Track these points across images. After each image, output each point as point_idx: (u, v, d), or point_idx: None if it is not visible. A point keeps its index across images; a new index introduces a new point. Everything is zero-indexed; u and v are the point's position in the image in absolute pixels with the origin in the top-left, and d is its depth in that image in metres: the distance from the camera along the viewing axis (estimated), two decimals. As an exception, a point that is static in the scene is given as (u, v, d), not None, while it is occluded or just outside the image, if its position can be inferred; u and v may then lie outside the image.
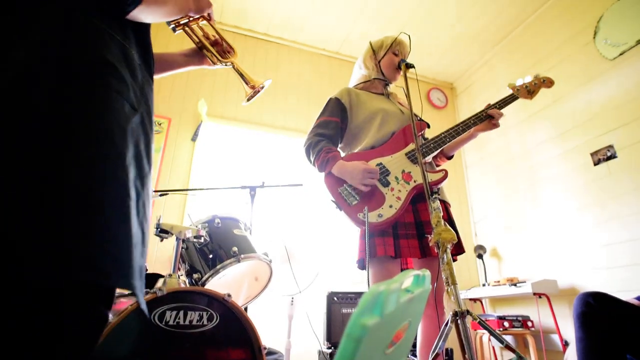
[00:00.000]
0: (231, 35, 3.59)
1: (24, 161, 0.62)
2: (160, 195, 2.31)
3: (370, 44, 1.91)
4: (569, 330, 2.67)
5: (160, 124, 3.15)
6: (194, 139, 3.21)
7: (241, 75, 1.29)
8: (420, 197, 1.56)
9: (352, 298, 2.60)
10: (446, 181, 1.61)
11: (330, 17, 3.45)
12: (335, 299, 2.57)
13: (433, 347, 1.13)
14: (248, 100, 1.31)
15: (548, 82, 1.86)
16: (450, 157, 1.84)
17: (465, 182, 4.01)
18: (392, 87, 1.94)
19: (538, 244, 3.08)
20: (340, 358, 0.34)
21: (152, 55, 1.04)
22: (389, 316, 0.45)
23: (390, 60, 1.82)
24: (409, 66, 1.71)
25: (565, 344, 2.63)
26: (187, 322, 1.29)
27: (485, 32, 3.60)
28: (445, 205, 1.66)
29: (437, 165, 1.81)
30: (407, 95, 1.63)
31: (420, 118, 1.79)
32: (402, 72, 1.71)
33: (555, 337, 2.75)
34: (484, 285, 3.27)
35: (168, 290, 1.27)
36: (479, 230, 3.76)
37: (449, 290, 1.19)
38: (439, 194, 1.65)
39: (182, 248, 1.59)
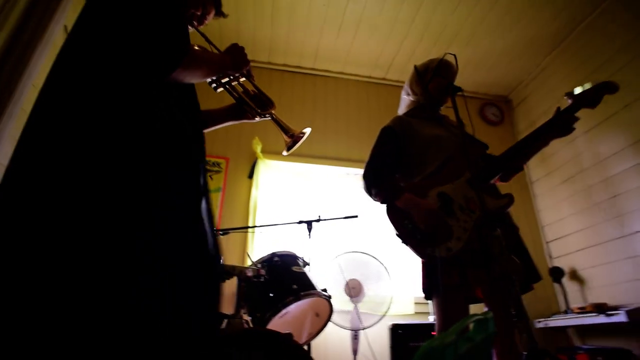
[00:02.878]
0: (279, 73, 3.76)
1: None
2: (222, 234, 2.41)
3: (416, 69, 1.89)
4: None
5: (219, 164, 3.33)
6: (250, 176, 3.34)
7: (280, 126, 1.32)
8: (489, 226, 1.48)
9: (417, 330, 2.48)
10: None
11: (374, 43, 3.49)
12: (400, 331, 2.46)
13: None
14: (288, 149, 1.34)
15: (611, 88, 1.70)
16: (520, 169, 1.70)
17: (532, 199, 3.74)
18: (443, 110, 1.89)
19: (628, 264, 2.75)
20: None
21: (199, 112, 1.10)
22: (447, 370, 0.42)
23: (437, 84, 1.79)
24: (457, 90, 1.67)
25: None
26: (251, 364, 1.31)
27: (538, 39, 3.41)
28: (514, 230, 1.56)
29: (508, 179, 1.70)
30: (459, 122, 1.58)
31: (477, 139, 1.72)
32: (450, 96, 1.67)
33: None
34: (565, 312, 2.96)
35: (231, 332, 1.31)
36: (553, 251, 3.45)
37: (519, 325, 1.10)
38: (504, 221, 1.55)
39: (244, 287, 1.64)
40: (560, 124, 1.57)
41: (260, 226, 2.38)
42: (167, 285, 0.74)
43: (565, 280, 3.16)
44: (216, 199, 3.19)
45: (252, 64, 1.29)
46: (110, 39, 0.90)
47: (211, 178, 3.26)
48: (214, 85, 1.23)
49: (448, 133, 1.71)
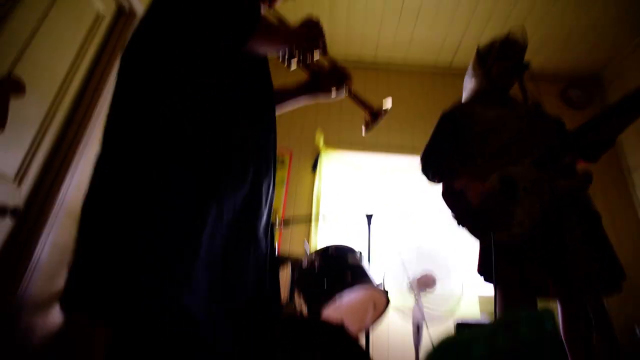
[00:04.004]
0: (341, 67, 3.75)
1: None
2: (284, 225, 2.48)
3: (478, 51, 1.77)
4: None
5: (282, 160, 3.42)
6: (314, 169, 3.38)
7: (359, 100, 1.22)
8: (558, 210, 1.33)
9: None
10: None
11: (438, 29, 3.32)
12: (467, 330, 2.32)
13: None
14: (367, 128, 1.23)
15: None
16: (611, 145, 1.47)
17: (631, 191, 3.27)
18: (513, 92, 1.74)
19: None
20: None
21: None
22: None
23: (501, 68, 1.64)
24: (524, 68, 1.52)
25: None
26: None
27: (634, 9, 2.97)
28: (594, 217, 1.39)
29: (595, 157, 1.48)
30: (525, 99, 1.44)
31: (550, 117, 1.56)
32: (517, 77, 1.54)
33: None
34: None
35: (283, 319, 1.34)
36: (657, 246, 3.00)
37: (600, 333, 0.97)
38: (581, 207, 1.38)
39: (298, 276, 1.68)
40: None
41: (318, 218, 2.40)
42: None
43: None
44: (280, 192, 3.29)
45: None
46: (182, 18, 0.93)
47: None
48: (287, 61, 1.14)
49: (514, 113, 1.57)
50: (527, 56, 1.63)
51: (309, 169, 3.39)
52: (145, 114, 0.86)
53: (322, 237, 3.00)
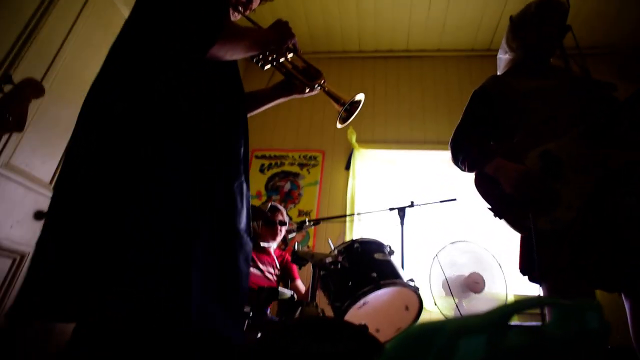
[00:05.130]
0: (372, 61, 3.62)
1: None
2: (313, 224, 2.39)
3: (511, 20, 1.58)
4: None
5: (315, 158, 3.35)
6: (347, 167, 3.28)
7: (331, 96, 1.24)
8: (614, 188, 1.13)
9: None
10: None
11: (472, 9, 3.09)
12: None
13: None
14: (343, 121, 1.25)
15: None
16: None
17: None
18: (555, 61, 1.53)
19: None
20: None
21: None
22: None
23: (539, 33, 1.45)
24: (565, 30, 1.33)
25: None
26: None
27: None
28: None
29: None
30: (567, 66, 1.25)
31: (601, 83, 1.35)
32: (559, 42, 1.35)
33: None
34: None
35: (299, 319, 1.25)
36: None
37: None
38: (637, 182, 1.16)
39: (322, 275, 1.57)
40: None
41: (349, 215, 2.29)
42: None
43: None
44: (314, 192, 3.22)
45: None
46: (152, 22, 0.94)
47: (308, 172, 3.30)
48: (260, 63, 1.19)
49: (556, 83, 1.37)
50: (578, 32, 1.43)
51: (342, 168, 3.30)
52: (139, 90, 0.85)
53: (357, 235, 2.87)
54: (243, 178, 0.96)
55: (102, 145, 0.78)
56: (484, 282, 2.15)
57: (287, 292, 1.59)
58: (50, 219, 0.75)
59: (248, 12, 1.25)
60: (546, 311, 1.13)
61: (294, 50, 1.20)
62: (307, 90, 1.25)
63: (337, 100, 1.21)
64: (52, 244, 0.71)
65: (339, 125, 1.26)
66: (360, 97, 1.24)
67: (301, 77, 1.24)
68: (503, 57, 1.63)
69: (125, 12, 2.35)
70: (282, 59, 1.20)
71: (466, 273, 2.17)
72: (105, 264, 0.67)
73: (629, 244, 1.00)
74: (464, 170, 1.42)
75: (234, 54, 1.01)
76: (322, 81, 1.25)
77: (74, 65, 2.01)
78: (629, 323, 1.14)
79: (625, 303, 1.15)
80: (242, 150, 1.01)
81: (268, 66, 1.20)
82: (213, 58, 0.95)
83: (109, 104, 0.84)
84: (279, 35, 1.13)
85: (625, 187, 1.07)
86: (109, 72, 0.90)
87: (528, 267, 1.23)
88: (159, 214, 0.74)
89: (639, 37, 3.19)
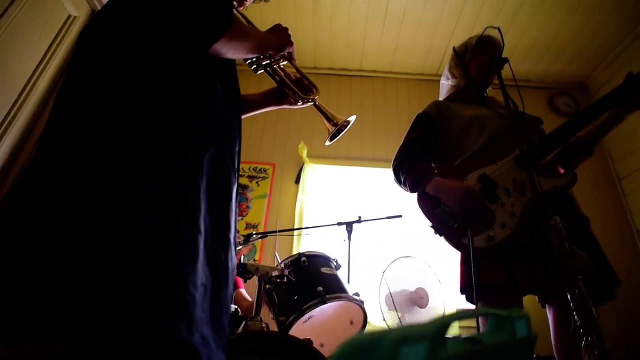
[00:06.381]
0: (325, 77, 3.70)
1: None
2: (260, 237, 2.36)
3: (454, 50, 1.71)
4: None
5: (265, 171, 3.32)
6: (297, 181, 3.29)
7: (323, 113, 1.23)
8: (544, 208, 1.24)
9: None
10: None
11: (422, 38, 3.28)
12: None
13: None
14: (331, 139, 1.25)
15: None
16: (589, 154, 1.44)
17: (621, 199, 3.19)
18: (490, 93, 1.66)
19: None
20: None
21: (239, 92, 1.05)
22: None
23: (478, 63, 1.58)
24: (502, 63, 1.45)
25: None
26: (262, 370, 1.19)
27: (620, 11, 2.93)
28: (582, 221, 1.30)
29: (573, 165, 1.43)
30: (505, 96, 1.36)
31: (529, 116, 1.48)
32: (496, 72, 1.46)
33: None
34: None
35: (243, 334, 1.21)
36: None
37: (587, 341, 0.86)
38: (567, 208, 1.28)
39: (267, 289, 1.55)
40: (635, 92, 1.28)
41: (296, 229, 2.29)
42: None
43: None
44: (262, 205, 3.18)
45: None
46: (148, 12, 0.86)
47: (258, 184, 3.26)
48: (254, 66, 1.14)
49: (493, 112, 1.49)
50: (514, 64, 1.57)
51: (292, 181, 3.30)
52: (138, 90, 0.79)
53: (304, 249, 2.86)
54: (236, 179, 0.93)
55: (96, 144, 0.72)
56: (428, 297, 2.23)
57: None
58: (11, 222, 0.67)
59: (242, 8, 1.21)
60: (480, 323, 1.19)
61: (289, 58, 1.17)
62: (300, 102, 1.22)
63: (329, 118, 1.21)
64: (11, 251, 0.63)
65: (327, 143, 1.25)
66: (352, 119, 1.24)
67: (295, 88, 1.20)
68: (446, 83, 1.74)
69: (70, 7, 2.22)
70: (275, 66, 1.16)
71: (412, 288, 2.24)
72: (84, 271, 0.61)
73: (554, 257, 1.10)
74: (406, 191, 1.48)
75: (236, 52, 0.97)
76: (316, 96, 1.22)
77: (8, 58, 1.86)
78: (551, 333, 1.25)
79: (548, 314, 1.25)
80: (237, 148, 0.97)
81: (261, 71, 1.15)
82: (214, 53, 0.90)
83: (100, 102, 0.76)
84: (280, 41, 1.10)
85: (552, 206, 1.17)
86: (89, 66, 0.81)
87: (467, 287, 1.30)
88: (154, 213, 0.69)
89: (568, 73, 3.56)
